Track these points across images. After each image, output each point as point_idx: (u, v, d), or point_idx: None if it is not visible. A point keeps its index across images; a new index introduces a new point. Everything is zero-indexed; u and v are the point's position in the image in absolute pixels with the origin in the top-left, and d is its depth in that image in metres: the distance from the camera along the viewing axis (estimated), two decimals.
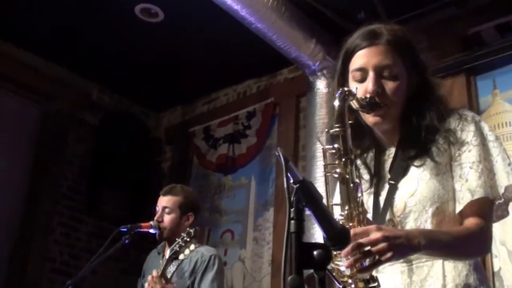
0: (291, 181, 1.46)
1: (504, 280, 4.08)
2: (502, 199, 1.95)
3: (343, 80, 2.08)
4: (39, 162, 5.91)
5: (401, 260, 1.87)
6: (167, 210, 3.93)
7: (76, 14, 5.37)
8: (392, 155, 2.06)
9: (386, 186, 2.01)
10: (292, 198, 1.43)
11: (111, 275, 6.01)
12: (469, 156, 1.92)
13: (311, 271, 1.39)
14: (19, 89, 5.93)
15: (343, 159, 1.84)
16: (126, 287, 5.50)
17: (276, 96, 5.92)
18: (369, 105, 1.94)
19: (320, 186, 1.89)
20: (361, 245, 1.67)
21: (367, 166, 2.09)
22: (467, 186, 1.90)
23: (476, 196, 1.88)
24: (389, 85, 1.97)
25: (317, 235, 4.02)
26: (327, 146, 1.88)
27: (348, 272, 1.73)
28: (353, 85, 1.99)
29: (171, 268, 3.82)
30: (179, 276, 3.77)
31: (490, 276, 4.09)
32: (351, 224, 1.79)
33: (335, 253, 1.70)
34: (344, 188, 1.83)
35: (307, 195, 1.45)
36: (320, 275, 1.38)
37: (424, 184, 1.94)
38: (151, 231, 3.87)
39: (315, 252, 1.38)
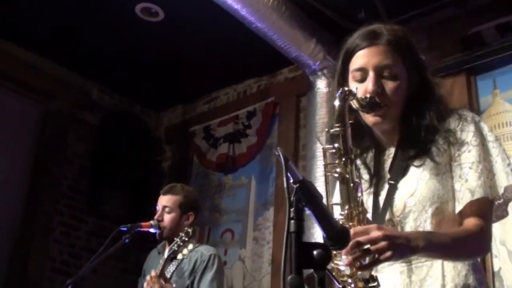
0: (291, 180, 1.46)
1: (504, 280, 4.08)
2: (502, 199, 1.96)
3: (343, 80, 2.08)
4: (39, 161, 5.91)
5: (401, 260, 1.87)
6: (167, 209, 3.93)
7: (77, 14, 5.37)
8: (391, 155, 2.06)
9: (386, 186, 2.01)
10: (292, 198, 1.43)
11: (111, 274, 6.02)
12: (468, 156, 1.93)
13: (311, 270, 1.39)
14: (19, 88, 5.93)
15: (343, 159, 1.84)
16: (126, 287, 5.50)
17: (277, 96, 5.92)
18: (369, 105, 1.94)
19: (320, 185, 1.89)
20: (361, 243, 1.67)
21: (366, 166, 2.10)
22: (467, 186, 1.90)
23: (476, 196, 1.88)
24: (389, 85, 1.97)
25: (317, 234, 4.03)
26: (327, 146, 1.88)
27: (348, 271, 1.73)
28: (353, 85, 1.99)
29: (171, 268, 3.82)
30: (179, 276, 3.77)
31: (490, 276, 4.10)
32: (351, 223, 1.79)
33: (334, 252, 1.70)
34: (344, 187, 1.83)
35: (307, 195, 1.46)
36: (320, 274, 1.38)
37: (423, 184, 1.94)
38: (151, 230, 3.87)
39: (314, 252, 1.38)
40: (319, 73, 5.10)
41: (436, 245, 1.79)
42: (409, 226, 1.93)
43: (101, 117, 6.43)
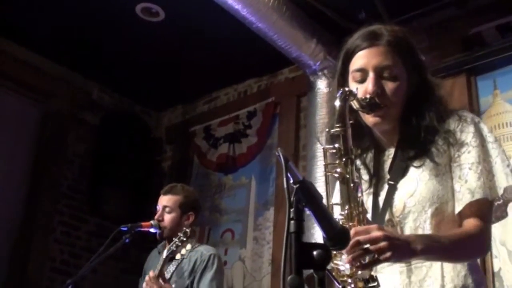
0: (291, 181, 1.46)
1: (504, 280, 4.08)
2: (501, 200, 1.96)
3: (343, 80, 2.08)
4: (39, 161, 5.91)
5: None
6: (167, 209, 3.93)
7: (77, 13, 5.37)
8: (391, 156, 2.07)
9: (386, 187, 2.01)
10: (292, 198, 1.43)
11: (112, 274, 6.02)
12: (468, 157, 1.93)
13: (311, 271, 1.39)
14: (19, 88, 5.93)
15: (344, 159, 1.84)
16: (126, 287, 5.51)
17: (277, 96, 5.92)
18: (369, 105, 1.94)
19: (320, 186, 1.89)
20: (361, 243, 1.67)
21: (366, 167, 2.10)
22: (466, 187, 1.90)
23: (475, 197, 1.89)
24: (389, 86, 1.98)
25: (317, 235, 4.03)
26: (328, 146, 1.89)
27: (348, 271, 1.73)
28: (353, 86, 2.00)
29: (171, 268, 3.82)
30: (179, 276, 3.78)
31: (490, 277, 4.10)
32: (351, 223, 1.79)
33: (334, 253, 1.70)
34: (344, 187, 1.83)
35: (307, 195, 1.46)
36: (320, 275, 1.39)
37: (423, 184, 1.94)
38: (152, 230, 3.87)
39: (314, 252, 1.38)
40: (320, 73, 5.10)
41: (435, 249, 1.80)
42: (409, 227, 1.94)
43: (101, 117, 6.43)
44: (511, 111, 4.48)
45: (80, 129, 6.24)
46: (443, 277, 1.89)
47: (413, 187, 1.95)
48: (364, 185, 2.03)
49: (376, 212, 1.98)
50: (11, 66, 5.76)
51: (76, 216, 5.99)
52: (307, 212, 1.47)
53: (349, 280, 1.74)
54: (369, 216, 1.94)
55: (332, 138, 1.89)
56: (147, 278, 3.58)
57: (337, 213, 1.83)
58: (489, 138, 1.98)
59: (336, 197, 1.91)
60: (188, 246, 3.73)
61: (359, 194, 1.85)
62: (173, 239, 3.71)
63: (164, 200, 3.97)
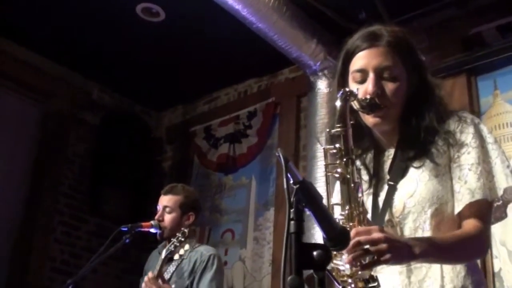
0: (291, 181, 1.46)
1: (505, 280, 4.09)
2: (501, 201, 1.97)
3: (343, 81, 2.08)
4: (40, 161, 5.91)
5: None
6: (167, 209, 3.93)
7: (78, 13, 5.37)
8: (391, 156, 2.07)
9: (385, 187, 2.01)
10: (292, 199, 1.43)
11: (112, 274, 6.02)
12: (468, 158, 1.93)
13: (311, 271, 1.39)
14: (19, 88, 5.93)
15: (344, 159, 1.84)
16: (127, 287, 5.52)
17: (277, 96, 5.92)
18: (369, 106, 1.94)
19: (320, 186, 1.89)
20: (362, 243, 1.67)
21: (366, 167, 2.10)
22: (466, 188, 1.90)
23: (475, 198, 1.89)
24: (389, 87, 1.98)
25: (318, 235, 4.03)
26: (328, 146, 1.89)
27: (348, 271, 1.73)
28: (353, 86, 2.00)
29: (171, 268, 3.83)
30: (179, 276, 3.78)
31: (490, 277, 4.10)
32: (351, 224, 1.79)
33: (334, 253, 1.70)
34: (345, 188, 1.83)
35: (307, 196, 1.46)
36: (320, 275, 1.39)
37: (423, 185, 1.94)
38: (152, 230, 3.88)
39: (314, 253, 1.38)
40: (320, 73, 5.10)
41: (434, 252, 1.80)
42: (408, 227, 1.94)
43: (101, 117, 6.43)
44: (511, 111, 4.48)
45: (80, 129, 6.24)
46: (442, 277, 1.89)
47: (413, 188, 1.95)
48: (364, 186, 2.03)
49: (375, 212, 1.98)
50: (11, 66, 5.76)
51: (76, 216, 5.99)
52: (307, 212, 1.47)
53: (349, 280, 1.74)
54: (368, 216, 1.94)
55: (332, 138, 1.89)
56: (146, 279, 3.58)
57: (338, 213, 1.83)
58: (489, 139, 1.98)
59: (336, 197, 1.91)
60: (187, 247, 3.74)
61: (360, 195, 1.85)
62: (171, 239, 3.71)
63: (165, 200, 3.97)
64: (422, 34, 4.61)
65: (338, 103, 1.88)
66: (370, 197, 2.02)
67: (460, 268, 1.91)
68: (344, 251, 1.68)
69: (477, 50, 4.67)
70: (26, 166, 5.88)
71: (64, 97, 6.12)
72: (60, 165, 5.98)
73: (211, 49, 5.77)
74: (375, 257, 1.68)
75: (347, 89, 1.91)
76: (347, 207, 1.81)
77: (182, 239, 3.67)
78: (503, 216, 2.02)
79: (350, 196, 1.82)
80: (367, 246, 1.68)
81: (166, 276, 3.76)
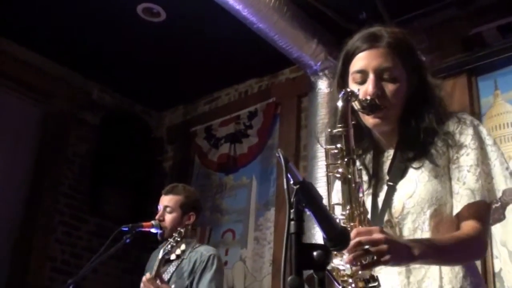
0: (291, 182, 1.46)
1: (505, 281, 4.09)
2: (499, 203, 1.98)
3: (342, 81, 2.09)
4: (40, 161, 5.91)
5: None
6: (168, 209, 3.93)
7: (78, 13, 5.38)
8: (390, 157, 2.07)
9: (385, 188, 2.02)
10: (292, 199, 1.43)
11: (113, 274, 6.02)
12: (467, 159, 1.94)
13: (311, 271, 1.40)
14: (20, 88, 5.93)
15: (346, 159, 1.84)
16: (127, 287, 5.52)
17: (278, 96, 5.93)
18: (369, 106, 1.95)
19: (321, 186, 1.89)
20: (362, 244, 1.68)
21: (365, 167, 2.10)
22: (465, 189, 1.91)
23: (474, 199, 1.89)
24: (389, 88, 1.98)
25: (318, 235, 4.03)
26: (329, 146, 1.89)
27: (348, 271, 1.74)
28: (353, 87, 2.00)
29: (171, 268, 3.83)
30: (179, 276, 3.78)
31: (491, 277, 4.10)
32: (352, 224, 1.80)
33: (334, 253, 1.70)
34: (346, 188, 1.84)
35: (307, 196, 1.46)
36: (320, 275, 1.39)
37: (422, 186, 1.95)
38: (153, 230, 3.88)
39: (314, 253, 1.39)
40: (321, 73, 5.10)
41: (434, 254, 1.80)
42: (407, 228, 1.94)
43: (102, 117, 6.43)
44: (511, 112, 4.48)
45: (81, 129, 6.24)
46: (441, 278, 1.89)
47: (412, 188, 1.96)
48: (363, 186, 2.03)
49: (375, 212, 1.98)
50: (11, 66, 5.77)
51: (76, 216, 5.99)
52: (307, 212, 1.47)
53: (350, 280, 1.74)
54: (368, 216, 1.94)
55: (333, 138, 1.90)
56: (144, 279, 3.59)
57: (339, 213, 1.83)
58: (488, 140, 1.98)
59: (335, 197, 1.91)
60: (183, 246, 3.74)
61: (361, 195, 1.85)
62: (169, 239, 3.72)
63: (165, 200, 3.97)
64: (422, 34, 4.61)
65: (339, 104, 1.89)
66: (370, 198, 2.02)
67: (458, 269, 1.91)
68: (344, 251, 1.68)
69: (477, 50, 4.67)
70: (27, 166, 5.88)
71: (65, 97, 6.12)
72: (60, 165, 5.98)
73: (211, 49, 5.77)
74: (375, 258, 1.68)
75: (348, 90, 1.92)
76: (348, 207, 1.82)
77: (179, 239, 3.68)
78: (501, 217, 2.03)
79: (351, 196, 1.82)
80: (367, 247, 1.68)
81: (166, 276, 3.76)
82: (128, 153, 6.44)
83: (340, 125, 1.87)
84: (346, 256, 1.69)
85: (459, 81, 4.67)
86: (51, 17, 5.44)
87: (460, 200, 1.91)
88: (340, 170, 1.84)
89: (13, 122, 5.85)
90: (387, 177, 2.03)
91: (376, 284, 1.73)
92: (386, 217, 1.96)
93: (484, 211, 1.94)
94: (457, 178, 1.94)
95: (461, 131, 1.98)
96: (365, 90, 1.97)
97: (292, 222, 1.40)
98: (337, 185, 1.92)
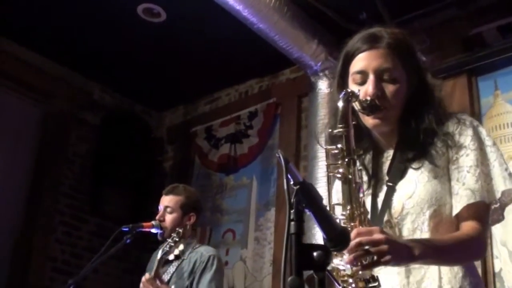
0: (292, 182, 1.46)
1: (505, 281, 4.09)
2: (498, 204, 1.98)
3: (342, 82, 2.10)
4: (40, 161, 5.91)
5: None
6: (168, 209, 3.93)
7: (78, 14, 5.38)
8: (390, 157, 2.07)
9: (384, 188, 2.02)
10: (292, 200, 1.43)
11: (113, 274, 6.02)
12: (466, 160, 1.94)
13: (311, 272, 1.40)
14: (20, 88, 5.93)
15: (346, 159, 1.85)
16: (128, 287, 5.52)
17: (278, 96, 5.93)
18: (370, 107, 1.95)
19: (321, 186, 1.90)
20: (363, 244, 1.68)
21: (365, 168, 2.11)
22: (464, 190, 1.91)
23: (473, 200, 1.90)
24: (389, 88, 1.99)
25: (318, 235, 4.03)
26: (330, 146, 1.89)
27: (348, 271, 1.74)
28: (353, 88, 2.00)
29: (171, 269, 3.83)
30: (179, 277, 3.78)
31: (491, 277, 4.10)
32: (352, 224, 1.80)
33: (334, 253, 1.71)
34: (346, 188, 1.84)
35: (307, 197, 1.46)
36: (320, 276, 1.39)
37: (422, 186, 1.95)
38: (153, 230, 3.88)
39: (314, 253, 1.39)
40: (321, 73, 5.10)
41: (434, 254, 1.80)
42: (407, 228, 1.94)
43: (102, 117, 6.42)
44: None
45: (81, 129, 6.24)
46: (440, 278, 1.90)
47: (412, 189, 1.96)
48: (363, 186, 2.04)
49: (374, 213, 1.98)
50: (11, 66, 5.77)
51: (77, 216, 5.99)
52: (308, 213, 1.47)
53: (350, 280, 1.75)
54: (368, 217, 1.94)
55: (333, 139, 1.90)
56: (143, 279, 3.59)
57: (339, 214, 1.84)
58: (488, 141, 1.99)
59: (335, 197, 1.92)
60: (181, 247, 3.74)
61: (361, 195, 1.85)
62: (167, 239, 3.72)
63: (166, 201, 3.97)
64: (422, 35, 4.61)
65: (340, 104, 1.89)
66: (369, 198, 2.03)
67: (458, 269, 1.92)
68: (345, 251, 1.69)
69: (477, 51, 4.67)
70: (27, 166, 5.88)
71: (65, 97, 6.12)
72: (60, 165, 5.98)
73: (212, 49, 5.77)
74: (375, 258, 1.68)
75: (349, 90, 1.92)
76: (349, 207, 1.82)
77: (177, 239, 3.68)
78: (500, 218, 2.04)
79: (352, 196, 1.83)
80: (367, 247, 1.68)
81: (167, 276, 3.77)
82: (128, 153, 6.44)
83: (340, 125, 1.87)
84: (346, 256, 1.70)
85: (459, 81, 4.67)
86: (51, 17, 5.44)
87: (459, 201, 1.92)
88: (340, 170, 1.85)
89: (13, 122, 5.86)
90: (386, 178, 2.04)
91: (376, 284, 1.73)
92: (385, 218, 1.96)
93: (484, 212, 1.95)
94: (456, 179, 1.94)
95: (461, 132, 1.99)
96: (365, 91, 1.98)
97: (292, 223, 1.41)
98: (337, 185, 1.92)
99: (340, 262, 1.75)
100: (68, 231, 5.89)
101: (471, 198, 1.90)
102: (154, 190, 5.75)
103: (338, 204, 1.86)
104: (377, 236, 1.69)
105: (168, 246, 3.67)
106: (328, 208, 1.81)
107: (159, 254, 3.69)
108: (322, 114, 4.93)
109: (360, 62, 2.02)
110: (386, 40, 2.01)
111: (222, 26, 5.32)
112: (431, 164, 1.96)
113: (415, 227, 1.94)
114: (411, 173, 1.99)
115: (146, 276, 3.59)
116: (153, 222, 3.88)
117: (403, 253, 1.72)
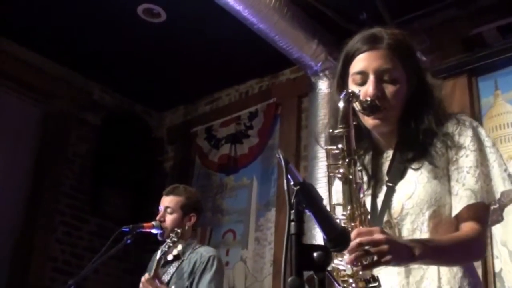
0: (292, 183, 1.46)
1: (505, 281, 4.09)
2: (497, 205, 1.99)
3: (342, 82, 2.10)
4: (41, 161, 5.91)
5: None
6: (169, 210, 3.93)
7: (79, 14, 5.38)
8: (389, 158, 2.08)
9: (384, 188, 2.02)
10: (292, 200, 1.43)
11: (114, 274, 6.02)
12: (466, 161, 1.95)
13: (311, 272, 1.40)
14: (20, 88, 5.93)
15: (347, 160, 1.85)
16: (128, 287, 5.52)
17: (278, 97, 5.93)
18: (370, 107, 1.96)
19: (321, 186, 1.90)
20: (363, 244, 1.68)
21: (364, 168, 2.11)
22: (464, 190, 1.92)
23: (472, 201, 1.90)
24: (389, 89, 1.99)
25: (319, 235, 4.03)
26: (331, 147, 1.90)
27: (349, 271, 1.74)
28: (353, 88, 2.00)
29: (171, 269, 3.83)
30: (179, 277, 3.78)
31: (491, 277, 4.10)
32: (353, 224, 1.80)
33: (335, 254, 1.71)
34: (347, 188, 1.84)
35: (307, 197, 1.46)
36: (320, 276, 1.39)
37: (421, 187, 1.95)
38: (153, 231, 3.88)
39: (315, 254, 1.39)
40: (321, 74, 5.10)
41: (434, 254, 1.80)
42: (406, 228, 1.95)
43: (102, 117, 6.42)
44: None
45: (81, 129, 6.24)
46: (439, 278, 1.90)
47: (411, 189, 1.96)
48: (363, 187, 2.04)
49: (374, 213, 1.98)
50: (12, 66, 5.77)
51: (77, 216, 6.00)
52: (308, 213, 1.47)
53: (350, 280, 1.75)
54: (368, 217, 1.94)
55: (334, 139, 1.90)
56: (142, 279, 3.60)
57: (340, 214, 1.84)
58: (487, 142, 1.99)
59: (335, 197, 1.92)
60: (179, 247, 3.75)
61: (361, 195, 1.86)
62: (166, 240, 3.73)
63: (166, 201, 3.97)
64: (423, 35, 4.62)
65: (341, 104, 1.90)
66: (369, 198, 2.03)
67: (457, 270, 1.92)
68: (345, 251, 1.69)
69: (478, 51, 4.67)
70: (27, 166, 5.88)
71: (65, 97, 6.12)
72: (61, 165, 5.98)
73: (212, 49, 5.77)
74: (376, 258, 1.68)
75: (350, 91, 1.93)
76: (349, 208, 1.82)
77: (175, 240, 3.69)
78: (499, 219, 2.04)
79: (352, 197, 1.83)
80: (367, 247, 1.69)
81: (167, 277, 3.77)
82: (129, 153, 6.43)
83: (341, 126, 1.88)
84: (347, 256, 1.70)
85: (460, 81, 4.67)
86: (51, 17, 5.44)
87: (459, 201, 1.92)
88: (341, 170, 1.85)
89: (13, 122, 5.86)
90: (386, 178, 2.04)
91: (376, 284, 1.74)
92: (385, 218, 1.97)
93: (483, 213, 1.95)
94: (456, 179, 1.95)
95: (460, 133, 1.99)
96: (365, 91, 1.98)
97: (293, 223, 1.41)
98: (336, 185, 1.92)
99: (340, 262, 1.75)
100: (68, 231, 5.90)
101: (471, 199, 1.90)
102: (154, 190, 5.74)
103: (338, 204, 1.86)
104: (378, 236, 1.69)
105: (166, 246, 3.68)
106: (328, 208, 1.81)
107: (158, 254, 3.69)
108: (322, 115, 4.93)
109: (361, 62, 2.02)
110: (387, 41, 2.02)
111: (222, 27, 5.32)
112: (430, 165, 1.96)
113: (415, 227, 1.94)
114: (410, 173, 1.99)
115: (146, 276, 3.60)
116: (153, 223, 3.88)
117: (404, 253, 1.72)
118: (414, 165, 1.99)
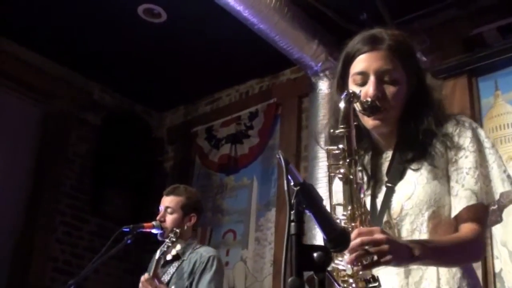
0: (292, 183, 1.46)
1: (505, 281, 4.09)
2: (496, 205, 1.98)
3: (342, 83, 2.10)
4: (41, 161, 5.91)
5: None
6: (169, 210, 3.93)
7: (79, 14, 5.38)
8: (389, 158, 2.08)
9: (383, 189, 2.02)
10: (292, 201, 1.44)
11: (114, 274, 6.02)
12: (465, 162, 1.95)
13: (311, 272, 1.40)
14: (21, 88, 5.93)
15: (348, 160, 1.85)
16: (128, 287, 5.52)
17: (279, 97, 5.93)
18: (370, 108, 1.96)
19: (322, 186, 1.90)
20: (364, 244, 1.68)
21: (364, 168, 2.11)
22: (464, 191, 1.92)
23: (472, 202, 1.90)
24: (390, 90, 1.99)
25: (319, 235, 4.03)
26: (331, 147, 1.90)
27: (349, 271, 1.74)
28: (353, 88, 2.01)
29: (171, 269, 3.83)
30: (179, 277, 3.78)
31: (491, 278, 4.10)
32: (353, 224, 1.80)
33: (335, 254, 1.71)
34: (347, 188, 1.84)
35: (307, 198, 1.46)
36: (320, 276, 1.39)
37: (421, 187, 1.96)
38: (154, 231, 3.88)
39: (315, 254, 1.39)
40: (321, 74, 5.10)
41: (433, 254, 1.81)
42: (406, 229, 1.95)
43: (102, 117, 6.42)
44: None
45: (82, 129, 6.24)
46: (438, 279, 1.90)
47: (411, 190, 1.96)
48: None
49: (374, 214, 1.98)
50: (12, 66, 5.77)
51: (77, 216, 6.00)
52: (308, 213, 1.47)
53: (350, 280, 1.75)
54: (369, 217, 1.95)
55: (334, 139, 1.91)
56: (142, 279, 3.59)
57: (340, 214, 1.84)
58: (486, 143, 2.00)
59: (335, 197, 1.92)
60: (178, 247, 3.76)
61: (362, 195, 1.86)
62: (165, 240, 3.73)
63: (167, 201, 3.97)
64: (423, 35, 4.62)
65: (342, 104, 1.90)
66: (368, 199, 2.03)
67: (456, 270, 1.92)
68: (345, 251, 1.69)
69: (478, 51, 4.67)
70: (27, 166, 5.88)
71: (65, 97, 6.12)
72: (61, 165, 5.99)
73: (212, 50, 5.77)
74: (376, 258, 1.68)
75: (351, 91, 1.93)
76: (350, 208, 1.82)
77: (174, 239, 3.69)
78: (498, 220, 2.04)
79: (353, 197, 1.83)
80: (368, 247, 1.69)
81: (167, 277, 3.77)
82: (129, 153, 6.43)
83: (342, 126, 1.88)
84: (347, 256, 1.70)
85: (460, 81, 4.67)
86: (51, 17, 5.44)
87: (459, 202, 1.92)
88: (342, 170, 1.85)
89: (13, 122, 5.86)
90: (385, 179, 2.04)
91: (376, 284, 1.74)
92: (385, 218, 1.97)
93: (483, 213, 1.95)
94: (455, 180, 1.95)
95: (460, 133, 2.00)
96: (365, 92, 1.98)
97: (293, 224, 1.40)
98: (336, 185, 1.92)
99: (341, 262, 1.76)
100: (68, 231, 5.90)
101: (471, 200, 1.90)
102: (154, 190, 5.74)
103: (339, 204, 1.86)
104: (378, 236, 1.69)
105: (165, 246, 3.68)
106: (329, 208, 1.81)
107: (157, 254, 3.69)
108: (322, 115, 4.93)
109: (361, 63, 2.02)
110: (387, 42, 2.02)
111: (223, 27, 5.32)
112: (430, 165, 1.96)
113: (414, 228, 1.94)
114: (410, 174, 1.99)
115: (145, 276, 3.60)
116: (153, 223, 3.88)
117: (404, 253, 1.73)
118: (414, 166, 1.99)
